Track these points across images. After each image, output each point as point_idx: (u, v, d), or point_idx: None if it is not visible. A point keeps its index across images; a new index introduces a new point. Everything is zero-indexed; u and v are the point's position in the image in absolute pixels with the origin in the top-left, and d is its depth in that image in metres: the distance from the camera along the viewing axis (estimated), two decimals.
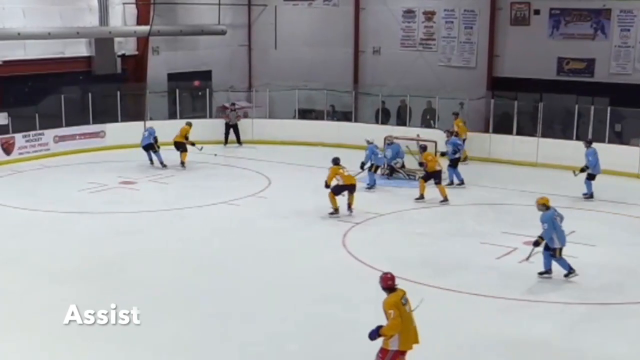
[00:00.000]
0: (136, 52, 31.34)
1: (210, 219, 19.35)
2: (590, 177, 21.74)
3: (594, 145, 22.27)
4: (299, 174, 24.50)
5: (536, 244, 15.35)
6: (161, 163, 25.38)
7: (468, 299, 14.16)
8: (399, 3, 32.16)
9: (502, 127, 27.63)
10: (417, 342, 10.55)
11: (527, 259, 15.56)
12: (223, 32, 32.87)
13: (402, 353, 10.53)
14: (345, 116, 30.96)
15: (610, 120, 25.77)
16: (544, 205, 15.36)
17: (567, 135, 26.47)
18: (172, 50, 32.30)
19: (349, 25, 33.22)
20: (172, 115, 30.52)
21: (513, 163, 26.23)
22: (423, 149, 22.80)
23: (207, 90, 31.15)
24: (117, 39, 30.32)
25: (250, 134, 29.87)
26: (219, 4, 32.34)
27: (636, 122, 25.35)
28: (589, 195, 21.61)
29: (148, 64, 31.10)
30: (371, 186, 22.50)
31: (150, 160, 25.57)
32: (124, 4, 30.40)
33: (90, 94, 28.09)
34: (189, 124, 26.35)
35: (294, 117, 31.01)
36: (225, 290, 14.46)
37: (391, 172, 23.99)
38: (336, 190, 19.43)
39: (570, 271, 14.95)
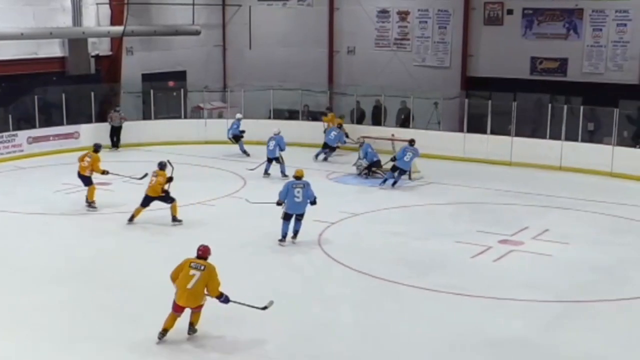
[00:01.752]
0: (110, 53, 31.23)
1: (186, 220, 19.30)
2: None
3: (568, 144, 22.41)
4: (274, 173, 24.48)
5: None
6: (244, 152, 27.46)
7: (444, 298, 14.23)
8: (373, 3, 32.25)
9: (476, 126, 27.77)
10: (185, 304, 12.02)
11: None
12: (197, 33, 32.83)
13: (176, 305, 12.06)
14: (320, 116, 30.97)
15: (583, 119, 25.97)
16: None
17: (540, 135, 26.64)
18: (146, 51, 32.21)
19: (323, 25, 33.28)
20: (146, 116, 30.44)
21: (487, 162, 26.38)
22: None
23: (182, 90, 31.11)
24: (90, 40, 30.20)
25: (224, 135, 29.80)
26: (193, 4, 32.30)
27: (609, 121, 25.56)
28: None
29: (122, 65, 31.00)
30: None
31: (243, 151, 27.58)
32: (97, 4, 30.29)
33: (64, 95, 27.95)
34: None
35: (269, 117, 30.99)
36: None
37: (367, 172, 24.04)
38: None
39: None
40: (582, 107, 26.10)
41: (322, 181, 22.78)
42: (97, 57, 30.55)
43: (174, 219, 18.92)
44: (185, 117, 31.07)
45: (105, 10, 30.67)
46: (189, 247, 17.05)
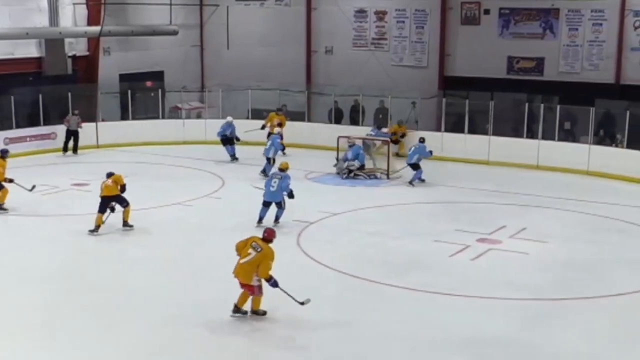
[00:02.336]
0: (87, 53, 31.10)
1: (165, 221, 19.26)
2: None
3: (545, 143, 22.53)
4: (253, 173, 24.48)
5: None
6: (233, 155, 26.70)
7: (423, 297, 14.28)
8: (351, 3, 32.32)
9: (454, 125, 27.88)
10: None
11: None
12: (175, 33, 32.74)
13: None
14: (298, 116, 30.98)
15: (560, 118, 26.14)
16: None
17: (518, 134, 26.78)
18: (123, 51, 32.11)
19: (301, 25, 33.31)
20: (124, 116, 30.34)
21: (465, 161, 26.49)
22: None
23: (160, 90, 30.99)
24: (67, 40, 30.06)
25: (203, 135, 29.78)
26: (171, 4, 32.19)
27: (585, 120, 25.74)
28: None
29: (99, 65, 30.88)
30: None
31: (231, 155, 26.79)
32: (74, 4, 30.15)
33: (40, 95, 27.79)
34: None
35: (247, 117, 30.97)
36: (184, 291, 14.40)
37: (349, 173, 24.02)
38: None
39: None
40: (558, 107, 26.28)
41: (301, 181, 22.79)
42: (74, 57, 30.42)
43: (125, 223, 18.48)
44: (163, 118, 30.96)
45: (82, 11, 30.54)
46: (164, 247, 17.18)
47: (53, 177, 23.72)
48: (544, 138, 26.11)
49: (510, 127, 27.71)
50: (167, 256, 16.60)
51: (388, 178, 23.83)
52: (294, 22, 33.40)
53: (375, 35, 32.03)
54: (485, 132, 27.13)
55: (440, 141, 27.32)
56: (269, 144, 24.43)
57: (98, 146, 28.67)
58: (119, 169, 24.43)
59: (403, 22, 31.51)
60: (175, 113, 31.92)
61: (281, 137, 26.04)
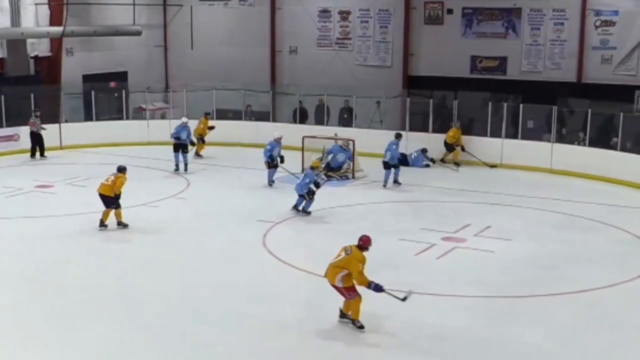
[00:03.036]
0: (50, 54, 30.85)
1: (131, 222, 19.16)
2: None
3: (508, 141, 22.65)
4: (218, 174, 24.46)
5: None
6: (185, 165, 24.78)
7: (388, 295, 14.34)
8: (315, 3, 32.36)
9: (418, 125, 28.00)
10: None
11: None
12: (138, 33, 32.59)
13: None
14: (263, 116, 30.97)
15: (523, 116, 26.36)
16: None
17: (481, 132, 26.95)
18: (86, 51, 31.90)
19: (265, 25, 33.29)
20: (88, 117, 30.12)
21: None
22: None
23: (124, 91, 30.85)
24: (29, 40, 29.83)
25: (168, 135, 29.58)
26: (134, 4, 32.05)
27: (548, 118, 26.00)
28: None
29: (62, 66, 30.66)
30: None
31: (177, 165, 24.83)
32: (36, 4, 29.90)
33: (2, 96, 27.50)
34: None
35: (212, 118, 30.88)
36: (149, 293, 14.34)
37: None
38: None
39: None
40: (521, 105, 26.51)
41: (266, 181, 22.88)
42: (36, 58, 30.18)
43: (120, 223, 18.61)
44: (128, 118, 30.83)
45: (44, 11, 30.27)
46: (130, 248, 17.12)
47: (17, 179, 23.52)
48: (507, 137, 26.32)
49: (473, 126, 27.90)
50: (132, 256, 16.55)
51: (353, 177, 23.90)
52: (258, 22, 33.37)
53: (340, 35, 32.10)
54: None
55: (404, 140, 27.41)
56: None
57: (61, 147, 28.44)
58: (83, 171, 24.57)
59: (367, 21, 31.61)
60: (139, 114, 31.78)
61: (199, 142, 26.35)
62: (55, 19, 30.21)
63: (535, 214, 20.27)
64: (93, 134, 28.83)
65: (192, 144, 25.39)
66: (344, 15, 31.96)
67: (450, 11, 30.08)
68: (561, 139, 26.20)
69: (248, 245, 17.41)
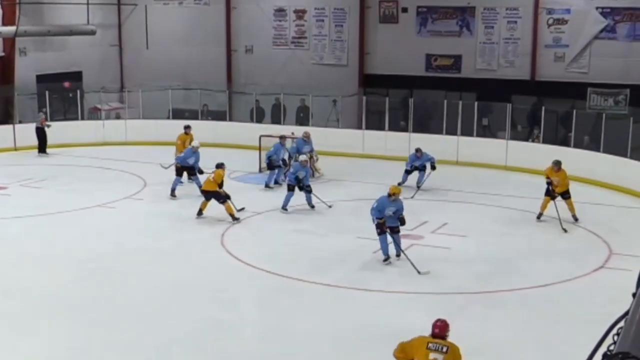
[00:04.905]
0: (2, 54, 30.47)
1: (86, 223, 19.08)
2: None
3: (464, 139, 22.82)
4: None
5: None
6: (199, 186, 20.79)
7: (347, 294, 14.44)
8: (270, 2, 32.35)
9: (375, 123, 28.15)
10: None
11: None
12: (93, 32, 32.29)
13: None
14: (220, 115, 30.91)
15: (478, 114, 26.62)
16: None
17: (437, 130, 27.15)
18: (40, 51, 31.59)
19: (220, 24, 33.20)
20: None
21: (386, 158, 26.72)
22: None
23: (78, 91, 30.59)
24: None
25: (123, 135, 29.52)
26: (88, 4, 31.75)
27: (502, 115, 26.28)
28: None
29: (15, 66, 30.30)
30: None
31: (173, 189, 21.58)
32: None
33: None
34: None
35: (168, 118, 30.82)
36: (107, 296, 14.26)
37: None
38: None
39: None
40: (476, 103, 26.77)
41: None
42: None
43: (232, 217, 19.07)
44: (83, 119, 30.59)
45: None
46: (87, 250, 17.00)
47: None
48: (462, 134, 26.56)
49: (429, 124, 28.11)
50: (89, 258, 16.44)
51: (312, 176, 23.94)
52: (213, 21, 33.28)
53: (295, 34, 32.13)
54: (405, 129, 27.46)
55: (361, 139, 27.59)
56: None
57: (16, 149, 28.15)
58: (38, 172, 24.35)
59: (322, 20, 31.67)
60: (94, 114, 31.55)
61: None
62: (7, 19, 29.81)
63: (490, 211, 20.47)
64: (48, 135, 28.54)
65: (201, 172, 21.37)
66: (300, 14, 31.99)
67: (405, 10, 30.23)
68: (516, 136, 26.49)
69: (205, 244, 17.40)
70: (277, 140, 23.82)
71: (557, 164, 19.47)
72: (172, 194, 21.37)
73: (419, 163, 22.56)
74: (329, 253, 16.78)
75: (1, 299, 14.09)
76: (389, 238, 15.99)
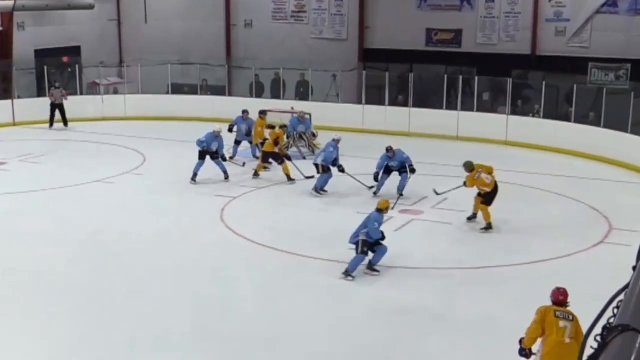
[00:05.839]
0: (0, 28, 30.31)
1: (86, 199, 19.05)
2: None
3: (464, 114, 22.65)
4: (174, 149, 24.31)
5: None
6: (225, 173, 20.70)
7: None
8: None
9: (375, 98, 28.06)
10: None
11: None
12: (91, 7, 32.09)
13: None
14: (219, 90, 30.81)
15: (478, 89, 26.52)
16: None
17: (437, 105, 27.07)
18: (38, 26, 31.41)
19: None
20: (41, 93, 29.72)
21: (386, 133, 26.58)
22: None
23: (77, 66, 30.46)
24: None
25: (123, 111, 29.42)
26: None
27: (502, 90, 26.18)
28: None
29: (13, 41, 30.15)
30: None
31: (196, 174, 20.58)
32: None
33: None
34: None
35: (167, 92, 30.73)
36: (107, 272, 14.27)
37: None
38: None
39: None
40: (477, 78, 26.66)
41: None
42: None
43: (288, 178, 20.12)
44: (82, 94, 30.47)
45: None
46: (85, 225, 16.96)
47: None
48: (463, 109, 26.48)
49: (430, 99, 28.01)
50: (88, 234, 16.42)
51: (313, 152, 23.83)
52: None
53: (295, 8, 31.93)
54: (405, 104, 27.37)
55: (361, 114, 27.50)
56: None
57: (14, 124, 28.06)
58: (36, 148, 24.30)
59: None
60: (93, 89, 31.43)
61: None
62: None
63: None
64: (46, 110, 28.40)
65: (224, 159, 20.89)
66: None
67: None
68: (516, 111, 26.41)
69: (206, 220, 17.38)
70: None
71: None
72: (193, 179, 20.30)
73: (393, 163, 19.40)
74: (330, 229, 16.74)
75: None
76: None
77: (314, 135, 24.11)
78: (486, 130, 25.72)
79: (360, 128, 27.14)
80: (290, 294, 13.30)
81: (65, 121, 27.88)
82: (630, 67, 26.41)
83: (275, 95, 29.97)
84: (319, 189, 19.38)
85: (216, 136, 20.52)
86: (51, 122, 27.70)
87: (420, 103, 27.16)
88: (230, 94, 30.68)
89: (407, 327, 12.14)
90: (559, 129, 24.65)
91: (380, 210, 14.31)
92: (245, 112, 23.28)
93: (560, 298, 9.72)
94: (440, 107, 26.86)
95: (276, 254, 15.20)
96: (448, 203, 18.45)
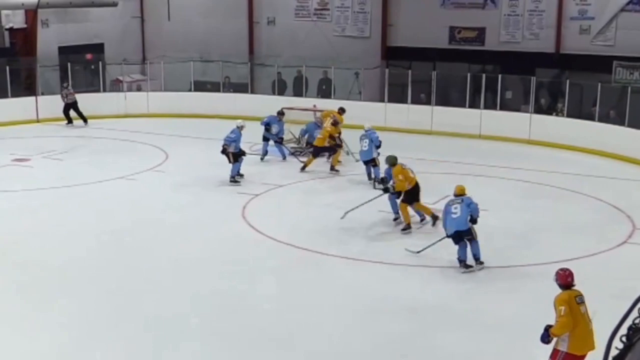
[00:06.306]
0: (25, 25, 30.49)
1: (108, 195, 19.11)
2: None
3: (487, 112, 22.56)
4: (196, 146, 24.34)
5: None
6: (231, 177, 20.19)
7: (367, 267, 14.40)
8: None
9: (397, 96, 27.98)
10: (592, 347, 9.23)
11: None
12: (114, 4, 32.24)
13: (574, 357, 9.34)
14: (241, 88, 30.82)
15: (501, 87, 26.39)
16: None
17: (460, 103, 26.97)
18: (62, 23, 31.55)
19: None
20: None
21: (408, 131, 26.57)
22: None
23: (100, 63, 30.58)
24: (4, 12, 29.45)
25: (145, 108, 29.51)
26: None
27: (526, 89, 26.03)
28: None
29: (37, 38, 30.32)
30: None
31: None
32: None
33: None
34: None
35: (190, 90, 30.78)
36: (127, 267, 14.34)
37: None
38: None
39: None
40: (500, 76, 26.51)
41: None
42: (11, 30, 29.84)
43: (332, 168, 21.15)
44: (104, 91, 30.59)
45: None
46: (107, 221, 17.02)
47: None
48: (485, 108, 26.35)
49: (452, 97, 27.90)
50: (110, 230, 16.47)
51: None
52: None
53: (318, 5, 31.89)
54: (427, 102, 27.28)
55: (383, 112, 27.43)
56: (366, 143, 20.44)
57: (38, 120, 28.22)
58: (60, 145, 24.41)
59: None
60: (116, 86, 31.53)
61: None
62: None
63: (512, 185, 20.31)
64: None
65: (243, 153, 20.37)
66: None
67: None
68: (539, 109, 26.25)
69: (227, 217, 17.39)
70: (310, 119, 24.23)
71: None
72: (235, 179, 20.00)
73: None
74: (349, 226, 16.70)
75: (19, 270, 14.12)
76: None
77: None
78: (509, 128, 25.59)
79: (382, 126, 26.99)
80: (309, 290, 13.27)
81: (83, 118, 27.99)
82: None
83: (298, 92, 29.94)
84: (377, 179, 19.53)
85: (240, 132, 20.26)
86: (68, 119, 27.88)
87: (442, 101, 27.05)
88: (252, 92, 30.68)
89: (425, 325, 12.08)
90: (583, 128, 24.47)
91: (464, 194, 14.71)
92: (280, 113, 23.19)
93: (569, 280, 9.73)
94: (463, 106, 26.77)
95: (296, 250, 15.19)
96: None
